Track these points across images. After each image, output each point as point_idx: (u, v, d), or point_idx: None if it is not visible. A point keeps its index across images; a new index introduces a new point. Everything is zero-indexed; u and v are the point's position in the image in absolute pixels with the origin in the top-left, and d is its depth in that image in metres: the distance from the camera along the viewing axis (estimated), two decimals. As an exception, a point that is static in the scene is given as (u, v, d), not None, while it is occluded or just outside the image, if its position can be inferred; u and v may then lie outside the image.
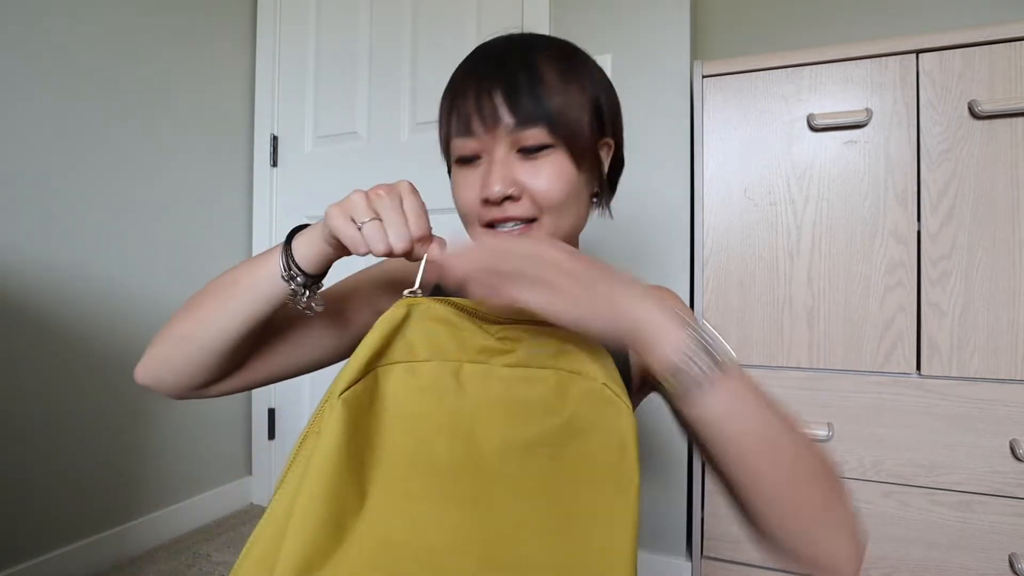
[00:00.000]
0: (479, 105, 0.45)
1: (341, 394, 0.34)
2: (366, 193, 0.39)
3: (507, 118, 0.45)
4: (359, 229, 0.38)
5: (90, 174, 1.16)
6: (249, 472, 1.58)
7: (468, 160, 0.48)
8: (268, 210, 1.55)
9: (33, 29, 1.06)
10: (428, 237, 0.40)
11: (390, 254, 0.39)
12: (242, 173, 1.54)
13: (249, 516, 1.48)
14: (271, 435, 1.56)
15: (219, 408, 1.48)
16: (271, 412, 1.56)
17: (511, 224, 0.47)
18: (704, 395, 0.33)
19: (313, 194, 1.51)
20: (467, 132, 0.46)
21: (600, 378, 0.36)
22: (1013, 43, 0.84)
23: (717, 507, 0.98)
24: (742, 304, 0.98)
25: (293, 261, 0.42)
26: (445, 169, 0.56)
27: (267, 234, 1.55)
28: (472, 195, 0.48)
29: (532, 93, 0.45)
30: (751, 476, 0.34)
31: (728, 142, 1.00)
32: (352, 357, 0.36)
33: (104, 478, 1.18)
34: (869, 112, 0.90)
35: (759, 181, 0.97)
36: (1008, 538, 0.83)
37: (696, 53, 1.32)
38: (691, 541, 1.05)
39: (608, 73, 1.18)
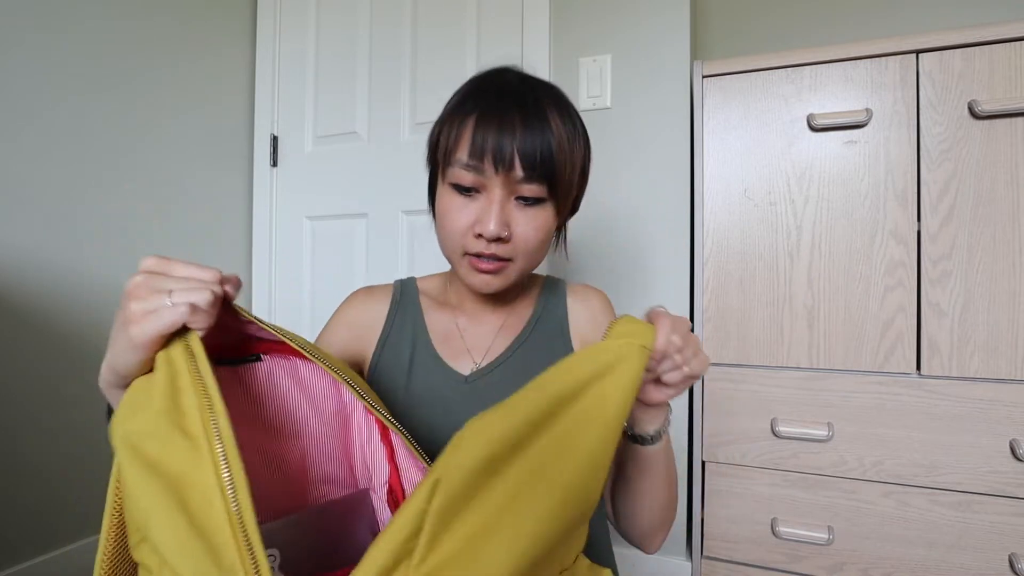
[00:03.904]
0: (497, 149, 0.48)
1: None
2: (136, 285, 0.32)
3: (519, 170, 0.49)
4: (167, 307, 0.31)
5: (90, 174, 1.16)
6: (249, 472, 1.58)
7: (464, 189, 0.51)
8: (268, 210, 1.55)
9: (31, 28, 1.06)
10: (219, 275, 0.34)
11: (208, 316, 0.32)
12: (242, 173, 1.54)
13: (249, 516, 1.48)
14: (271, 435, 1.56)
15: (219, 408, 1.48)
16: (271, 412, 1.56)
17: (490, 259, 0.52)
18: (657, 444, 0.50)
19: (313, 194, 1.51)
20: (478, 170, 0.49)
21: None
22: (1013, 43, 0.84)
23: (717, 507, 0.98)
24: (742, 304, 0.98)
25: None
26: None
27: (267, 234, 1.55)
28: (464, 224, 0.51)
29: (545, 154, 0.49)
30: (656, 488, 0.52)
31: (728, 142, 1.00)
32: None
33: (104, 478, 1.18)
34: (869, 112, 0.90)
35: (759, 181, 0.97)
36: (1008, 538, 0.83)
37: (696, 53, 1.32)
38: (691, 541, 1.05)
39: (608, 73, 1.20)
